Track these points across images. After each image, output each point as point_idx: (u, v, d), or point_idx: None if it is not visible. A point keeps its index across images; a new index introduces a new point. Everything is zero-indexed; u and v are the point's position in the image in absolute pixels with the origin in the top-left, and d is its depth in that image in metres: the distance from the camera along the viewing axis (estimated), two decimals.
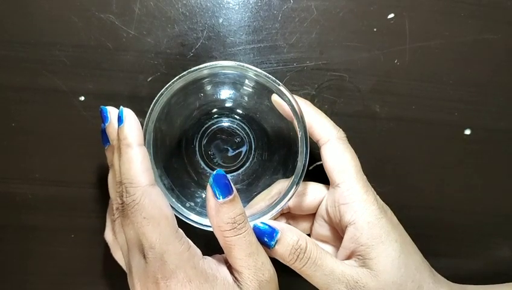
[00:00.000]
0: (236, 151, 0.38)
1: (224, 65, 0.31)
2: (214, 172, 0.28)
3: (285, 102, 0.31)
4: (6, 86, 0.38)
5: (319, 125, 0.33)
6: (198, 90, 0.35)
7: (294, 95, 0.32)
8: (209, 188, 0.28)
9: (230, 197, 0.28)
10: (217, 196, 0.28)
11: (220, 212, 0.28)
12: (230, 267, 0.30)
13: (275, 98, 0.32)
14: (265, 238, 0.30)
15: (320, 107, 0.34)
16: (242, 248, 0.28)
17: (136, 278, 0.28)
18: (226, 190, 0.28)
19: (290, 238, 0.30)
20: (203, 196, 0.36)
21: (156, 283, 0.27)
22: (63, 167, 0.39)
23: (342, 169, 0.32)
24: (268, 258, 0.30)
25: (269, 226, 0.30)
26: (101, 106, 0.31)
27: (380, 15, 0.38)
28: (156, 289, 0.27)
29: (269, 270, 0.29)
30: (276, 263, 0.31)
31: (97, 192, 0.39)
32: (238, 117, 0.38)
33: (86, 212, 0.39)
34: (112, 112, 0.31)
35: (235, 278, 0.29)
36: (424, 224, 0.40)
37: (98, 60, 0.38)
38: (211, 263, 0.29)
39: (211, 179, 0.28)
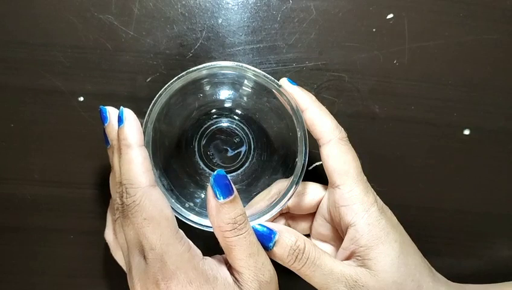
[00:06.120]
0: (236, 151, 0.38)
1: (223, 65, 0.31)
2: (215, 172, 0.28)
3: (285, 101, 0.31)
4: (6, 86, 0.38)
5: (321, 123, 0.32)
6: (197, 91, 0.35)
7: (299, 87, 0.32)
8: (209, 188, 0.28)
9: (231, 197, 0.28)
10: (218, 196, 0.28)
11: (220, 213, 0.28)
12: (230, 268, 0.30)
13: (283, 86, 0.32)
14: (263, 240, 0.30)
15: None
16: (242, 248, 0.28)
17: (136, 279, 0.28)
18: (226, 190, 0.28)
19: (288, 239, 0.30)
20: (203, 196, 0.36)
21: (157, 284, 0.27)
22: (62, 167, 0.39)
23: (343, 171, 0.32)
24: (268, 258, 0.30)
25: (267, 228, 0.30)
26: (101, 106, 0.31)
27: (379, 15, 0.38)
28: None
29: (269, 271, 0.29)
30: (276, 264, 0.31)
31: (97, 192, 0.39)
32: (237, 117, 0.38)
33: (86, 213, 0.39)
34: (111, 112, 0.31)
35: (236, 278, 0.29)
36: (424, 224, 0.40)
37: (97, 61, 0.38)
38: (211, 264, 0.29)
39: (211, 180, 0.28)
